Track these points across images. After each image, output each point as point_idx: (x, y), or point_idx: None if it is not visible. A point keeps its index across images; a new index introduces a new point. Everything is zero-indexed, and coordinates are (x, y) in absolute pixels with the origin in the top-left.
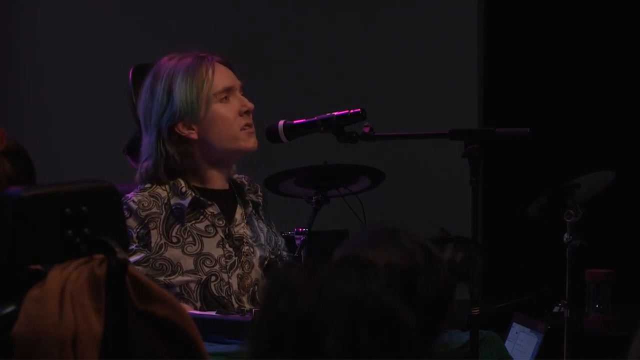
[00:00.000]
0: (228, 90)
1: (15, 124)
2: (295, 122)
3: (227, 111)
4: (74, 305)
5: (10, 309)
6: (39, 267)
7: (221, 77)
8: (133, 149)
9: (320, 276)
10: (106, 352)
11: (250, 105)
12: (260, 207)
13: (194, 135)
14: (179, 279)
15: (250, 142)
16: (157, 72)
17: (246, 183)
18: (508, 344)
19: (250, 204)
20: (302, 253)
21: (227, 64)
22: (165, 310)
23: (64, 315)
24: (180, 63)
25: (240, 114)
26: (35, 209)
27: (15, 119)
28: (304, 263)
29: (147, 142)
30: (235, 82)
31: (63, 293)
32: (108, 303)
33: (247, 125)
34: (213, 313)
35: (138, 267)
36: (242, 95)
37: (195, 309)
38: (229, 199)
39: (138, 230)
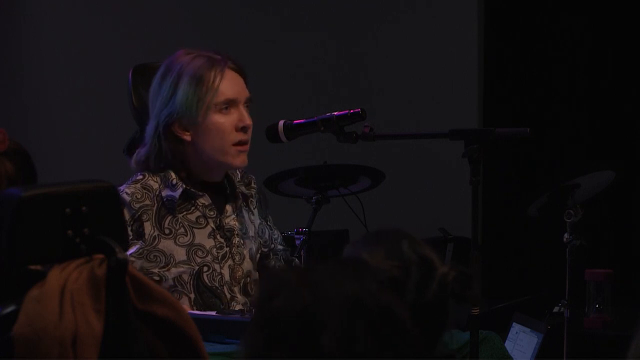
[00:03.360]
0: (230, 102)
1: (16, 125)
2: (295, 122)
3: (224, 123)
4: (74, 305)
5: (10, 309)
6: (39, 267)
7: (227, 86)
8: (133, 149)
9: (315, 275)
10: (106, 352)
11: (248, 122)
12: (252, 200)
13: (187, 138)
14: (173, 270)
15: (238, 160)
16: (170, 64)
17: (238, 175)
18: (508, 344)
19: (240, 196)
20: (302, 253)
21: (239, 71)
22: (165, 310)
23: (64, 315)
24: (193, 63)
25: (237, 129)
26: (35, 209)
27: (16, 119)
28: (303, 263)
29: (149, 128)
30: (241, 95)
31: (63, 293)
32: (108, 303)
33: (242, 141)
34: (213, 313)
35: (133, 259)
36: (247, 107)
37: (190, 300)
38: (220, 191)
39: (132, 222)
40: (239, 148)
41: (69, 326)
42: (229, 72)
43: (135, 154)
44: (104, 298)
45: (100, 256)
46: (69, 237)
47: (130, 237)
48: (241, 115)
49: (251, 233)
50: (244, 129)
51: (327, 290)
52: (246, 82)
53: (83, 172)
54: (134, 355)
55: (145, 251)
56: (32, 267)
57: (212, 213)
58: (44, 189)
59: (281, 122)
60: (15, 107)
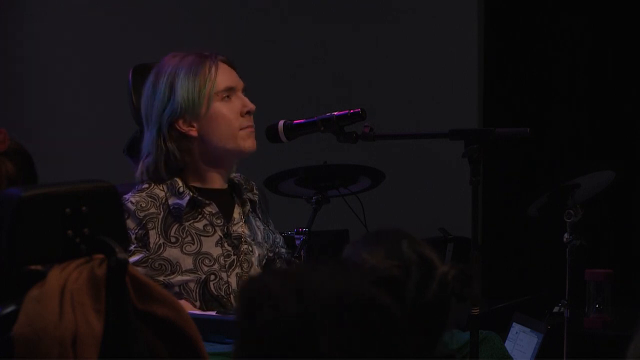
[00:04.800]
0: (230, 90)
1: (16, 125)
2: (295, 122)
3: (228, 110)
4: (74, 305)
5: (10, 309)
6: (39, 267)
7: (224, 76)
8: (133, 150)
9: (296, 279)
10: (106, 352)
11: (252, 106)
12: (257, 205)
13: (193, 133)
14: (179, 278)
15: (248, 143)
16: (159, 70)
17: (242, 182)
18: (508, 344)
19: (248, 203)
20: (302, 253)
21: (230, 64)
22: (165, 310)
23: (64, 315)
24: (184, 61)
25: (242, 114)
26: (35, 209)
27: (15, 119)
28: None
29: (148, 138)
30: (238, 83)
31: (63, 293)
32: (108, 303)
33: (248, 126)
34: (213, 313)
35: (137, 268)
36: (244, 96)
37: (195, 308)
38: (226, 198)
39: (136, 231)
40: (247, 131)
41: (69, 326)
42: (221, 64)
43: (140, 165)
44: (104, 298)
45: (100, 256)
46: (69, 237)
47: (135, 246)
48: (243, 100)
49: (259, 239)
50: (248, 114)
51: (310, 294)
52: (237, 74)
53: (83, 172)
54: (134, 355)
55: (150, 259)
56: (32, 267)
57: (219, 221)
58: (44, 189)
59: (281, 122)
60: (15, 107)
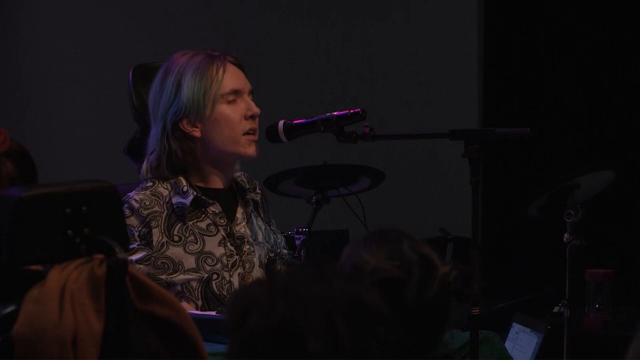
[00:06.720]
0: (236, 93)
1: (16, 125)
2: (295, 122)
3: (233, 113)
4: (74, 305)
5: (10, 309)
6: (39, 267)
7: (231, 78)
8: (133, 149)
9: (282, 284)
10: (106, 352)
11: (257, 110)
12: (260, 205)
13: (196, 133)
14: (181, 277)
15: (250, 150)
16: (168, 67)
17: (246, 181)
18: (508, 344)
19: (251, 203)
20: (302, 253)
21: (239, 66)
22: (165, 310)
23: (64, 315)
24: (192, 60)
25: (246, 118)
26: (35, 209)
27: (15, 119)
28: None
29: (153, 134)
30: (245, 86)
31: (63, 293)
32: (108, 303)
33: (252, 130)
34: (213, 313)
35: (139, 266)
36: (251, 99)
37: (197, 307)
38: (230, 198)
39: (140, 228)
40: (250, 137)
41: (69, 326)
42: (230, 65)
43: (144, 162)
44: (104, 298)
45: (100, 256)
46: (69, 237)
47: (138, 243)
48: (248, 104)
49: (260, 239)
50: (252, 117)
51: (297, 297)
52: (246, 76)
53: (83, 172)
54: (134, 355)
55: (152, 258)
56: (32, 267)
57: (222, 221)
58: (44, 189)
59: (281, 122)
60: (16, 107)
